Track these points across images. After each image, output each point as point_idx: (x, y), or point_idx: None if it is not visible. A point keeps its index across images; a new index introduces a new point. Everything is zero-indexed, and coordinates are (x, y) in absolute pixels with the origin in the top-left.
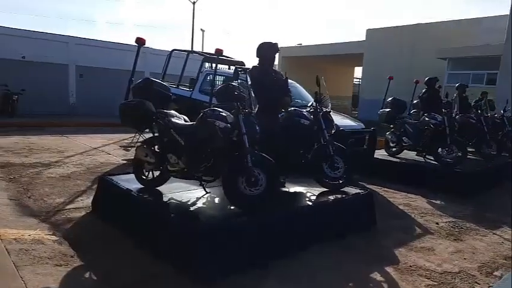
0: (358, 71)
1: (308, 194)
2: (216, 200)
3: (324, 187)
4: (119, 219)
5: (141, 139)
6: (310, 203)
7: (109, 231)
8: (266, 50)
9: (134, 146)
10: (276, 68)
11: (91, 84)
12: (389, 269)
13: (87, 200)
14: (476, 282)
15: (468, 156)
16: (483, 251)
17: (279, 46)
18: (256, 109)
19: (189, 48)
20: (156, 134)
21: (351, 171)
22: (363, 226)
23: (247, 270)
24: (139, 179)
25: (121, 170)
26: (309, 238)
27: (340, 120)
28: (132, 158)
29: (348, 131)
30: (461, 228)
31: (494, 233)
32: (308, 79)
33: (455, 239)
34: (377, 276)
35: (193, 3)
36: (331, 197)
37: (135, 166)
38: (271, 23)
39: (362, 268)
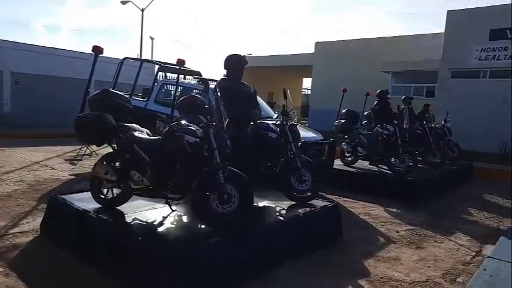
0: (306, 81)
1: (277, 208)
2: (184, 219)
3: (292, 200)
4: (74, 243)
5: (88, 151)
6: (282, 218)
7: (63, 258)
8: (234, 62)
9: (81, 159)
10: None
11: (29, 92)
12: (362, 282)
13: (34, 223)
14: None
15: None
16: (443, 258)
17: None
18: (226, 122)
19: (138, 56)
20: (116, 149)
21: (318, 183)
22: (331, 238)
23: None
24: (96, 197)
25: (70, 186)
26: (282, 254)
27: (303, 132)
28: (81, 172)
29: (310, 142)
30: (420, 235)
31: (450, 240)
32: (259, 89)
33: (417, 247)
34: None
35: (142, 10)
36: (301, 211)
37: (91, 184)
38: (221, 33)
39: (336, 283)
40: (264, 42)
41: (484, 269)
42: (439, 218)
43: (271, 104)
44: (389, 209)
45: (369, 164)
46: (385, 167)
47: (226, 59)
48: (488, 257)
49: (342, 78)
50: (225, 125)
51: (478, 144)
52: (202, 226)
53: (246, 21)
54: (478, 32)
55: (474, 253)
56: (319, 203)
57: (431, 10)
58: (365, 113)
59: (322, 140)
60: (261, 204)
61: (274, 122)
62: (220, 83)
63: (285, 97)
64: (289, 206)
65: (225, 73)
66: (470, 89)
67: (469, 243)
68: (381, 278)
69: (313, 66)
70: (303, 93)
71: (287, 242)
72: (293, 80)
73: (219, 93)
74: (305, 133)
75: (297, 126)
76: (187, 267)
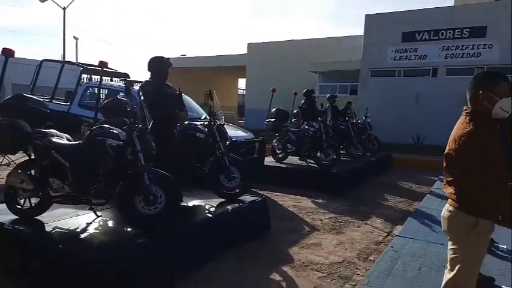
0: (241, 82)
1: (207, 206)
2: (110, 224)
3: (222, 197)
4: None
5: (5, 161)
6: (211, 215)
7: None
8: (157, 65)
9: None
10: None
11: None
12: (285, 268)
13: None
14: (356, 268)
15: (343, 158)
16: (359, 240)
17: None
18: (150, 125)
19: (60, 58)
20: (32, 157)
21: (246, 180)
22: (260, 231)
23: None
24: (12, 208)
25: None
26: (213, 248)
27: (232, 132)
28: None
29: (240, 141)
30: (341, 222)
31: (366, 223)
32: (193, 90)
33: (337, 233)
34: (276, 276)
35: (64, 8)
36: (230, 207)
37: (6, 195)
38: (156, 34)
39: (262, 271)
40: (201, 43)
41: (392, 247)
42: (358, 205)
43: (209, 106)
44: (316, 200)
45: (299, 160)
46: (313, 162)
47: (150, 61)
48: (396, 235)
49: (274, 79)
50: (149, 128)
51: (396, 136)
52: (129, 229)
53: (183, 22)
54: (392, 35)
55: (386, 234)
56: (247, 198)
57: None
58: (294, 112)
59: (252, 138)
60: (191, 203)
61: (202, 122)
62: (144, 86)
63: (211, 98)
64: (220, 203)
65: (150, 76)
66: (387, 87)
67: (383, 225)
68: (303, 263)
69: (247, 67)
70: (239, 93)
71: (217, 236)
72: (228, 80)
73: (142, 96)
74: (235, 132)
75: (226, 126)
76: (113, 271)
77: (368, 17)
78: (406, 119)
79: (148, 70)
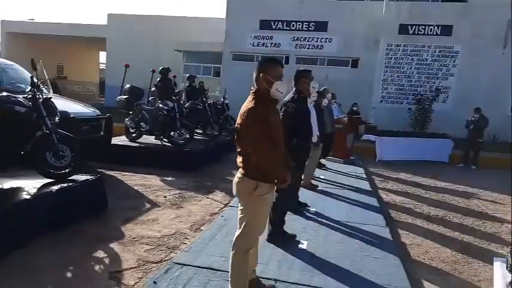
0: (103, 55)
1: (28, 188)
2: None
3: (48, 177)
4: None
5: None
6: (29, 197)
7: None
8: None
9: None
10: None
11: None
12: (113, 245)
13: None
14: (186, 238)
15: (197, 137)
16: (197, 213)
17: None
18: None
19: None
20: None
21: (79, 158)
22: (94, 210)
23: None
24: None
25: None
26: (37, 228)
27: (70, 107)
28: None
29: (80, 118)
30: (184, 197)
31: (207, 197)
32: (45, 61)
33: (177, 207)
34: (100, 254)
35: None
36: (56, 187)
37: None
38: None
39: (87, 249)
40: (55, 6)
41: (222, 216)
42: (205, 181)
43: (32, 77)
44: (165, 178)
45: (155, 139)
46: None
47: None
48: (229, 206)
49: (136, 54)
50: None
51: None
52: None
53: None
54: (252, 21)
55: (223, 205)
56: (80, 177)
57: None
58: (152, 90)
59: (98, 115)
60: (14, 184)
61: (26, 95)
62: None
63: (34, 68)
64: (45, 184)
65: None
66: (247, 71)
67: (222, 198)
68: (134, 238)
69: (107, 40)
70: (101, 68)
71: (43, 216)
72: (88, 53)
73: None
74: (76, 108)
75: (68, 101)
76: None
77: (230, 0)
78: None
79: None
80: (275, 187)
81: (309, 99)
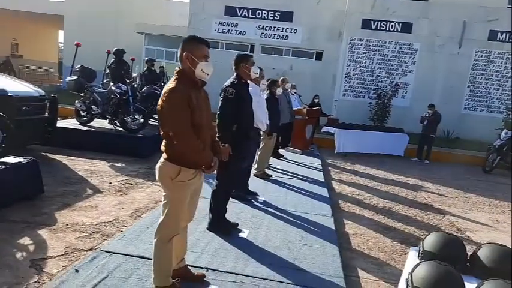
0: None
1: None
2: None
3: None
4: None
5: None
6: None
7: None
8: None
9: None
10: None
11: None
12: (42, 232)
13: None
14: (124, 226)
15: (153, 123)
16: (141, 200)
17: None
18: None
19: None
20: None
21: (14, 140)
22: (28, 195)
23: None
24: None
25: None
26: None
27: (9, 85)
28: None
29: (20, 97)
30: (131, 184)
31: (156, 185)
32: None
33: (121, 194)
34: (25, 240)
35: None
36: None
37: None
38: None
39: (10, 235)
40: None
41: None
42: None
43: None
44: (115, 164)
45: (108, 123)
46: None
47: None
48: None
49: (96, 35)
50: None
51: (216, 104)
52: None
53: None
54: (216, 7)
55: None
56: (12, 160)
57: None
58: (106, 72)
59: (41, 95)
60: None
61: None
62: None
63: None
64: None
65: None
66: (212, 58)
67: None
68: (66, 225)
69: (65, 17)
70: (61, 48)
71: None
72: (46, 31)
73: None
74: (15, 87)
75: (6, 79)
76: None
77: None
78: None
79: None
80: (202, 173)
81: (259, 87)
